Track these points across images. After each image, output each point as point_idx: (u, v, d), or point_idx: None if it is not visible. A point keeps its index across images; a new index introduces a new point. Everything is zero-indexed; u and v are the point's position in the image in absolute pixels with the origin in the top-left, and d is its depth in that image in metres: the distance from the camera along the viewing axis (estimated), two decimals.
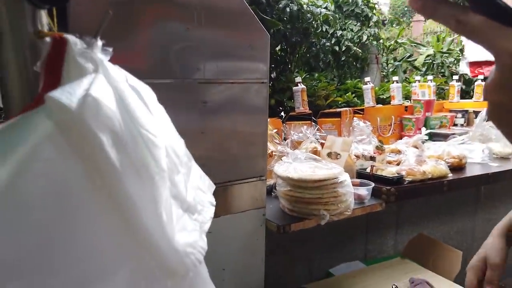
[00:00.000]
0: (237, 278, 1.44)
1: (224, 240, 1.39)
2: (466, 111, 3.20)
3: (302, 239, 1.87)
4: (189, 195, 0.52)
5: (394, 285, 1.24)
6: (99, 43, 0.47)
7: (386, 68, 4.25)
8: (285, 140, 2.09)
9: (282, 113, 2.70)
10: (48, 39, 0.46)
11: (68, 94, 0.39)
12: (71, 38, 0.46)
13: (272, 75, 2.80)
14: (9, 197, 0.36)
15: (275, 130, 1.98)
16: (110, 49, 0.48)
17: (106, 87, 0.44)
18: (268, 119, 2.03)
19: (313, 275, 1.92)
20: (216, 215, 1.35)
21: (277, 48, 2.94)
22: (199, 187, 0.56)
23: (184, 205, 0.50)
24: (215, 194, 1.34)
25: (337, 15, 3.34)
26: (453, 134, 2.59)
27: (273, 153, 1.82)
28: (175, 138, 0.55)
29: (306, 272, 1.91)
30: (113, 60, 0.53)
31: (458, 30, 0.33)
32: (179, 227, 0.47)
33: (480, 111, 2.78)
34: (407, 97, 3.23)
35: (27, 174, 0.38)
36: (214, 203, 0.59)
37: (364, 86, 2.76)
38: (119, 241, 0.43)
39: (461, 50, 4.26)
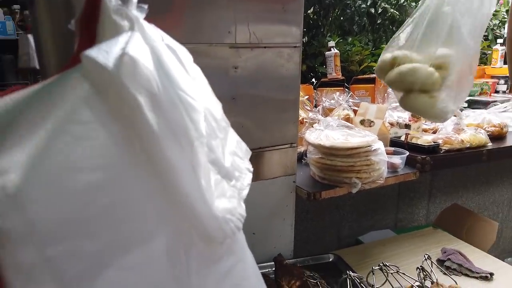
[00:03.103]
0: (267, 243, 1.47)
1: (254, 206, 1.40)
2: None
3: (332, 206, 1.87)
4: (227, 161, 0.51)
5: (426, 254, 1.22)
6: None
7: None
8: (316, 107, 2.05)
9: (314, 80, 2.63)
10: None
11: (104, 53, 0.38)
12: None
13: (304, 40, 2.72)
14: (46, 160, 0.36)
15: (306, 97, 1.94)
16: (146, 6, 0.46)
17: (143, 46, 0.42)
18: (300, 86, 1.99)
19: (342, 242, 1.93)
20: None
21: (310, 11, 2.83)
22: (236, 153, 0.55)
23: (222, 171, 0.49)
24: None
25: None
26: (495, 101, 2.46)
27: (304, 120, 1.79)
28: (213, 102, 0.54)
29: (335, 239, 1.92)
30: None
31: None
32: (217, 193, 0.46)
33: None
34: None
35: (64, 137, 0.37)
36: (252, 169, 0.59)
37: None
38: (158, 206, 0.43)
39: (507, 11, 3.96)
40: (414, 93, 1.19)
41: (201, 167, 0.43)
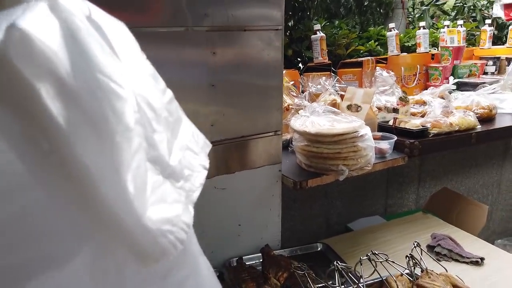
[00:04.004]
0: (253, 234, 1.43)
1: (239, 196, 1.36)
2: (498, 58, 2.99)
3: (320, 194, 1.83)
4: (174, 158, 0.44)
5: (415, 242, 1.19)
6: None
7: (412, 13, 3.98)
8: (302, 93, 2.00)
9: (300, 64, 2.57)
10: None
11: None
12: None
13: (289, 23, 2.65)
14: None
15: (292, 82, 1.89)
16: None
17: (48, 19, 0.34)
18: (285, 71, 1.93)
19: (331, 230, 1.89)
20: (231, 171, 1.32)
21: None
22: (188, 147, 0.47)
23: (165, 170, 0.42)
24: (229, 150, 1.29)
25: None
26: (483, 83, 2.43)
27: (290, 106, 1.74)
28: (154, 89, 0.45)
29: (324, 227, 1.89)
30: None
31: None
32: (155, 198, 0.39)
33: None
34: (434, 44, 3.03)
35: None
36: (207, 166, 0.50)
37: (388, 33, 2.58)
38: (76, 219, 0.36)
39: None
40: None
41: (128, 167, 0.36)
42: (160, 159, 0.41)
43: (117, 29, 0.42)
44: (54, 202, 0.35)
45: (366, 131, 1.37)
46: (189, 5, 1.10)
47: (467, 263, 1.40)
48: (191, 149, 0.47)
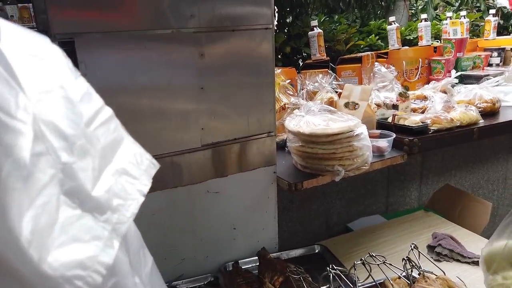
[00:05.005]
0: (249, 237, 1.40)
1: (233, 200, 1.34)
2: (503, 49, 2.91)
3: (319, 194, 1.80)
4: (100, 187, 0.40)
5: (412, 244, 1.15)
6: None
7: (415, 5, 3.91)
8: (301, 91, 1.96)
9: (300, 61, 2.54)
10: None
11: None
12: None
13: (288, 20, 2.61)
14: None
15: (288, 81, 1.85)
16: None
17: None
18: (281, 69, 1.90)
19: (331, 230, 1.86)
20: (224, 174, 1.29)
21: None
22: (126, 172, 0.44)
23: (86, 203, 0.38)
24: (221, 153, 1.27)
25: None
26: (487, 75, 2.37)
27: (286, 105, 1.71)
28: (73, 115, 0.41)
29: (324, 228, 1.86)
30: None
31: None
32: (65, 238, 0.35)
33: None
34: (437, 37, 2.97)
35: None
36: (146, 191, 0.46)
37: (388, 27, 2.53)
38: None
39: None
40: None
41: (27, 206, 0.32)
42: (80, 191, 0.38)
43: (32, 49, 0.38)
44: None
45: (362, 130, 1.34)
46: (172, 6, 1.07)
47: (468, 263, 1.37)
48: (129, 173, 0.44)
